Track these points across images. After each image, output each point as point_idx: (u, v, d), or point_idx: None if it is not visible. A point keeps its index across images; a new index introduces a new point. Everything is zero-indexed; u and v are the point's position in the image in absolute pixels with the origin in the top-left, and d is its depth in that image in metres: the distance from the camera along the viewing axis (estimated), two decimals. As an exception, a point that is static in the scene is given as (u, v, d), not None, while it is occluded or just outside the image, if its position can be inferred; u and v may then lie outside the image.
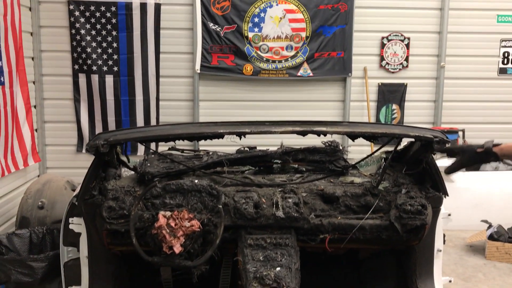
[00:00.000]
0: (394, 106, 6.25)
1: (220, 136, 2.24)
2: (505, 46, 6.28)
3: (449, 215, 2.75)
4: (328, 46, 6.05)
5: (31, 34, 5.70)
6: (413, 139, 2.43)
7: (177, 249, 2.10)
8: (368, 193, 2.52)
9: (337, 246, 2.47)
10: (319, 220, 2.41)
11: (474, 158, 2.12)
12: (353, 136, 2.36)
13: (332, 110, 6.31)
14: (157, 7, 5.87)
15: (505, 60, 6.30)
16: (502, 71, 6.33)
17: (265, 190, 2.51)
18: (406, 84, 6.23)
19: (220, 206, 2.30)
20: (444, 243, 2.75)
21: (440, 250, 2.70)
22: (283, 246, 2.33)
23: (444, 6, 6.07)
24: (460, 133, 6.26)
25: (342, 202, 2.49)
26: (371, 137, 2.36)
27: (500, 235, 4.79)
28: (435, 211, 2.54)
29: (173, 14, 6.03)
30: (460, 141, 6.23)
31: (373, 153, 2.87)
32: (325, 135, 2.39)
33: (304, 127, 2.28)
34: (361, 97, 6.27)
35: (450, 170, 2.23)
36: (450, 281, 2.97)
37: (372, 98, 6.27)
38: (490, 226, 4.97)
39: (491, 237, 4.79)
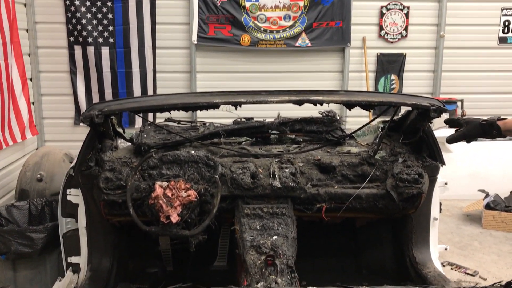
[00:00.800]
0: (393, 77, 6.21)
1: (216, 106, 2.23)
2: (505, 15, 6.19)
3: (446, 184, 2.76)
4: (326, 16, 5.97)
5: (25, 5, 5.61)
6: (410, 108, 2.41)
7: (174, 218, 2.11)
8: (365, 163, 2.52)
9: (334, 215, 2.48)
10: (315, 190, 2.42)
11: (477, 129, 2.07)
12: (350, 105, 2.35)
13: (330, 81, 6.27)
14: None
15: (506, 28, 6.23)
16: (502, 40, 6.26)
17: (262, 161, 2.51)
18: (405, 54, 6.17)
19: (217, 176, 2.30)
20: (440, 211, 2.77)
21: (437, 219, 2.72)
22: (279, 215, 2.34)
23: (445, -26, 5.97)
24: (459, 103, 6.23)
25: (339, 171, 2.49)
26: (367, 106, 2.34)
27: (496, 204, 4.83)
28: (431, 180, 2.55)
29: (169, -16, 5.94)
30: (459, 111, 6.21)
31: (369, 122, 2.85)
32: (321, 104, 2.37)
33: (300, 97, 2.26)
34: (360, 68, 6.22)
35: (452, 139, 2.19)
36: (446, 249, 3.00)
37: (371, 68, 6.22)
38: (487, 195, 5.00)
39: (487, 206, 4.83)
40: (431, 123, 2.39)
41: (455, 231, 4.69)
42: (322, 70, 6.25)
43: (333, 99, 2.27)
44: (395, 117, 2.66)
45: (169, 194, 2.12)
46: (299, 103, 2.26)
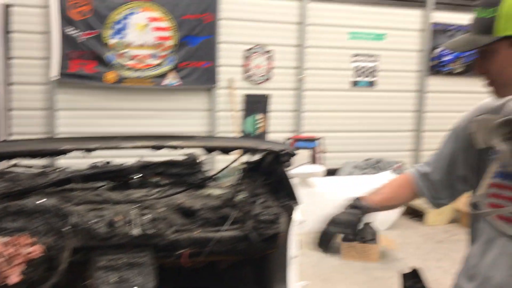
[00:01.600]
0: (259, 116, 6.46)
1: (63, 153, 2.10)
2: (356, 61, 6.85)
3: (304, 221, 2.88)
4: (194, 56, 6.06)
5: None
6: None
7: (14, 278, 1.90)
8: (227, 205, 2.55)
9: (196, 260, 2.45)
10: (177, 236, 2.37)
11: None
12: (208, 150, 2.37)
13: (199, 120, 6.33)
14: (6, 8, 5.38)
15: (357, 73, 6.88)
16: (354, 83, 6.90)
17: (120, 207, 2.40)
18: (270, 94, 6.48)
19: (68, 228, 2.14)
20: (300, 248, 2.88)
21: (296, 256, 2.82)
22: (138, 266, 2.24)
23: (303, 21, 6.45)
24: (320, 141, 6.68)
25: (201, 215, 2.48)
26: (225, 151, 2.39)
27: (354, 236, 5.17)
28: (289, 219, 2.65)
29: (26, 17, 5.59)
30: (320, 148, 6.65)
31: (228, 165, 2.90)
32: (181, 148, 2.36)
33: (156, 142, 2.23)
34: (228, 107, 6.38)
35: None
36: (306, 285, 3.11)
37: (238, 108, 6.42)
38: (346, 227, 5.34)
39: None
40: (284, 165, 2.51)
41: (318, 264, 4.91)
42: (191, 109, 6.29)
43: (191, 145, 2.27)
44: (255, 159, 2.75)
45: (9, 251, 1.91)
46: (156, 149, 2.23)
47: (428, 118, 7.18)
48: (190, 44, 6.02)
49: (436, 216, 6.11)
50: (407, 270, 1.56)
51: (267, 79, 6.45)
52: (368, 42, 6.86)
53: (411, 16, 6.98)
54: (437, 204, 1.74)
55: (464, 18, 7.08)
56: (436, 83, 7.19)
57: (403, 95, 7.13)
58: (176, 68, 6.00)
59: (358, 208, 1.74)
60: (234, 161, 2.82)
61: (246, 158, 2.89)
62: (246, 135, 6.42)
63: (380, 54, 6.91)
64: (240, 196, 2.65)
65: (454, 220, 6.19)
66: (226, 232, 2.45)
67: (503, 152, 1.39)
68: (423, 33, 7.03)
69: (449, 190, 1.68)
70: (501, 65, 1.36)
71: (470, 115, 1.56)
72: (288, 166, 2.64)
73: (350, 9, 6.71)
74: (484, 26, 1.34)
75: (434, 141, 7.35)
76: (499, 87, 1.41)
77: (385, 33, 6.88)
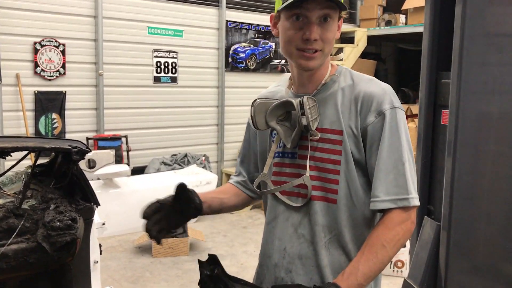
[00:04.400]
0: (54, 115, 5.94)
1: None
2: (157, 56, 6.79)
3: (104, 224, 2.74)
4: (-32, 49, 5.27)
5: None
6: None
7: None
8: (11, 215, 2.25)
9: (-25, 283, 2.12)
10: None
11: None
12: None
13: (-19, 122, 5.54)
14: None
15: (158, 69, 6.83)
16: (157, 79, 6.83)
17: None
18: (65, 92, 6.00)
19: None
20: (101, 253, 2.72)
21: (97, 262, 2.66)
22: None
23: (98, 14, 6.13)
24: (124, 139, 6.46)
25: (-22, 230, 2.15)
26: (0, 153, 2.10)
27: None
28: (87, 223, 2.47)
29: None
30: (124, 147, 6.43)
31: (10, 169, 2.58)
32: None
33: None
34: (17, 107, 5.72)
35: None
36: (112, 289, 2.97)
37: (29, 107, 5.80)
38: (154, 224, 5.27)
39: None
40: (76, 164, 2.33)
41: (127, 266, 4.75)
42: (-30, 110, 5.47)
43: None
44: (46, 162, 2.49)
45: None
46: None
47: (228, 112, 7.53)
48: (-38, 35, 5.21)
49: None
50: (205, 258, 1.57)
51: (61, 75, 5.95)
52: (168, 38, 6.87)
53: (207, 14, 7.20)
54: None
55: (253, 18, 7.63)
56: (234, 79, 7.57)
57: (204, 91, 7.34)
58: None
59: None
60: (16, 164, 2.51)
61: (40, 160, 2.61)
62: (40, 137, 5.85)
63: (180, 50, 6.98)
64: (28, 203, 2.38)
65: (256, 206, 6.63)
66: (13, 245, 2.17)
67: (279, 133, 1.51)
68: (220, 31, 7.32)
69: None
70: (334, 34, 1.43)
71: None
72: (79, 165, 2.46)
73: (147, 3, 6.62)
74: None
75: (236, 134, 7.74)
76: (322, 57, 1.44)
77: (183, 29, 6.97)
